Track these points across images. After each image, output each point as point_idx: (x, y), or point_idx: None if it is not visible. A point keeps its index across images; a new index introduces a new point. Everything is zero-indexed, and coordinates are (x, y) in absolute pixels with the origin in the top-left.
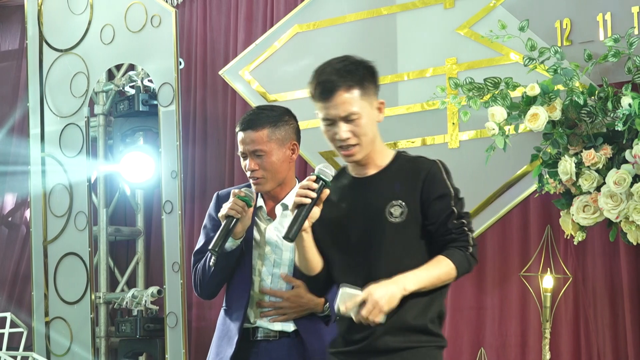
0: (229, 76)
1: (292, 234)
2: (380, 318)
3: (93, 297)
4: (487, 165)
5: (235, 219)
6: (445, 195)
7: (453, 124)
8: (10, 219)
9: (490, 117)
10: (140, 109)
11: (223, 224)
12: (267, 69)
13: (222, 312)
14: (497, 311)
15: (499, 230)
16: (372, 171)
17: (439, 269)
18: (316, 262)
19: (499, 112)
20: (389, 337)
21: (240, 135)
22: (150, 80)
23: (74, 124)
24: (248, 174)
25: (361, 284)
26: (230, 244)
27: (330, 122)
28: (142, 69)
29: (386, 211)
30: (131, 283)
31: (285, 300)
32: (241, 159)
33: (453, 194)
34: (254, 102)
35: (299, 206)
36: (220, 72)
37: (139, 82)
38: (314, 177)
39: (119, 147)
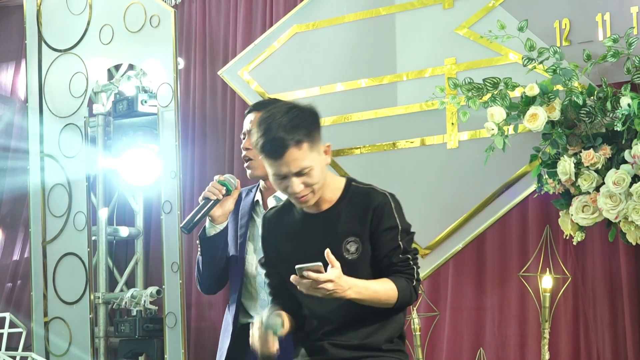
0: (228, 76)
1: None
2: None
3: (92, 297)
4: (486, 166)
5: (212, 201)
6: (392, 228)
7: (452, 124)
8: (8, 219)
9: (489, 117)
10: (139, 109)
11: (200, 205)
12: (266, 69)
13: (227, 306)
14: (496, 311)
15: (498, 230)
16: (324, 206)
17: (381, 288)
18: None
19: (498, 113)
20: (343, 351)
21: (246, 117)
22: (149, 81)
23: (73, 124)
24: (243, 155)
25: (317, 305)
26: (211, 230)
27: (282, 177)
28: (141, 69)
29: (343, 247)
30: (130, 283)
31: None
32: (242, 143)
33: (401, 229)
34: (253, 102)
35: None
36: (219, 72)
37: (138, 82)
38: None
39: (117, 147)
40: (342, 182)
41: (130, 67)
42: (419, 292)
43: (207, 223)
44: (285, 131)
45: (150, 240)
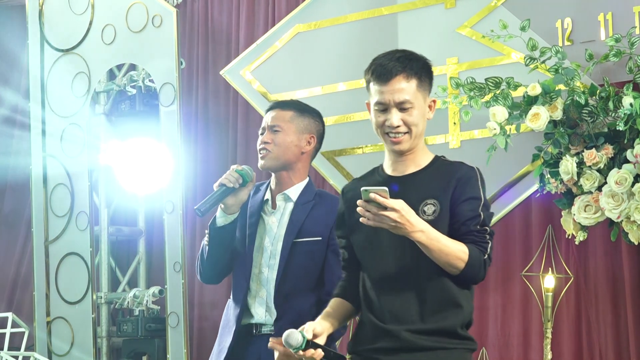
0: (230, 76)
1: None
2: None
3: (94, 297)
4: (489, 165)
5: (227, 189)
6: (474, 198)
7: (454, 123)
8: (11, 218)
9: (491, 117)
10: (142, 109)
11: (214, 190)
12: (268, 69)
13: (228, 301)
14: (499, 311)
15: (500, 230)
16: (410, 170)
17: (453, 245)
18: (348, 314)
19: (500, 112)
20: (420, 337)
21: (266, 114)
22: (151, 80)
23: (76, 123)
24: (259, 147)
25: (391, 277)
26: (222, 219)
27: (384, 107)
28: (144, 69)
29: (420, 209)
30: (132, 283)
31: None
32: (259, 138)
33: (483, 202)
34: (256, 102)
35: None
36: (221, 72)
37: (140, 82)
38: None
39: (120, 147)
40: (431, 154)
41: (133, 67)
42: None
43: (219, 212)
44: (398, 61)
45: (152, 240)
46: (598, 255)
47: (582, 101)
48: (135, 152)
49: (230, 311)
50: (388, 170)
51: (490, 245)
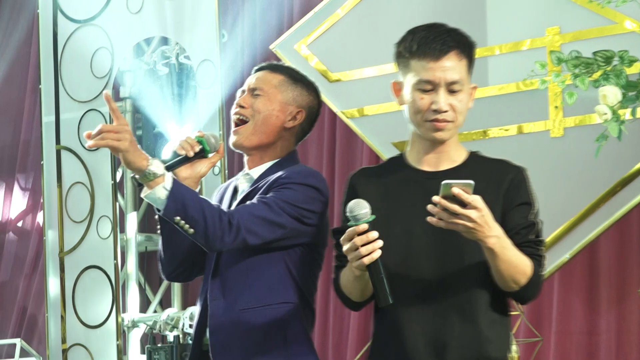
0: (283, 51)
1: (387, 299)
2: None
3: (120, 319)
4: (598, 158)
5: (178, 157)
6: (528, 204)
7: (556, 107)
8: (20, 224)
9: (601, 99)
10: (176, 92)
11: (162, 159)
12: (328, 42)
13: None
14: (613, 336)
15: (614, 237)
16: (445, 165)
17: (521, 259)
18: (369, 285)
19: (612, 93)
20: None
21: (251, 76)
22: (186, 57)
23: (96, 110)
24: (232, 113)
25: (419, 293)
26: (158, 193)
27: (430, 87)
28: (177, 44)
29: None
30: (166, 302)
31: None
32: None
33: (535, 208)
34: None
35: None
36: (271, 47)
37: (173, 59)
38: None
39: (150, 138)
40: (465, 150)
41: (164, 41)
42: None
43: None
44: (449, 36)
45: None
46: None
47: None
48: (169, 145)
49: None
50: (416, 163)
51: (545, 258)
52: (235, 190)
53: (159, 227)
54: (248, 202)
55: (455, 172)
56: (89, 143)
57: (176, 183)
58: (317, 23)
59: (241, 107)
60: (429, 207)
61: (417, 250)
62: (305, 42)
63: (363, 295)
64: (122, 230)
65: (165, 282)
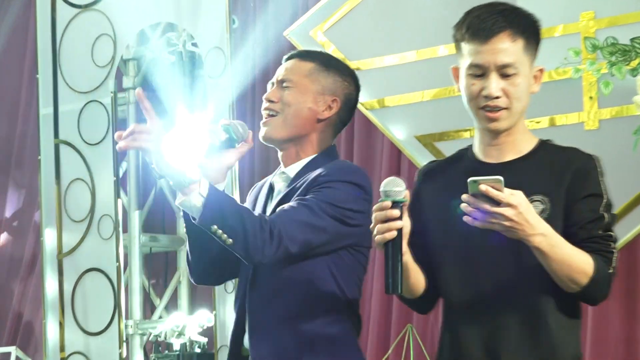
0: (297, 38)
1: (396, 287)
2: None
3: (122, 326)
4: (636, 151)
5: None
6: (596, 196)
7: (590, 98)
8: (15, 223)
9: (639, 89)
10: (183, 82)
11: None
12: (346, 28)
13: None
14: None
15: None
16: (509, 156)
17: (578, 255)
18: (418, 281)
19: None
20: None
21: (280, 67)
22: (194, 45)
23: (97, 101)
24: (263, 108)
25: (476, 296)
26: (193, 200)
27: (481, 71)
28: (185, 30)
29: None
30: (172, 308)
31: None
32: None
33: (605, 200)
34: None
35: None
36: (285, 34)
37: (180, 47)
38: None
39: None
40: (535, 138)
41: (171, 27)
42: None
43: None
44: (501, 15)
45: None
46: None
47: None
48: (176, 138)
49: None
50: (480, 154)
51: (615, 255)
52: (271, 190)
53: (185, 227)
54: (287, 206)
55: (519, 163)
56: (120, 144)
57: (213, 189)
58: (334, 8)
59: (270, 101)
60: (462, 206)
61: (476, 249)
62: (321, 28)
63: (411, 291)
64: (125, 230)
65: (171, 286)
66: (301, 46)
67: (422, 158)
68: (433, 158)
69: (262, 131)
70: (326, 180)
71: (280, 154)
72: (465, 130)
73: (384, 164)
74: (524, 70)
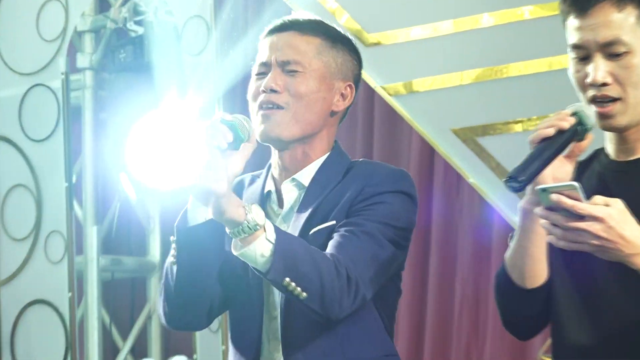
0: (301, 4)
1: (526, 174)
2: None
3: None
4: None
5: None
6: None
7: None
8: None
9: None
10: (154, 60)
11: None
12: None
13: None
14: None
15: None
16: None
17: None
18: (541, 267)
19: None
20: None
21: (269, 41)
22: (168, 13)
23: (43, 85)
24: (258, 100)
25: (596, 340)
26: (195, 212)
27: (583, 53)
28: None
29: None
30: (140, 351)
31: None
32: (253, 80)
33: None
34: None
35: (542, 141)
36: None
37: (150, 15)
38: (569, 112)
39: (118, 124)
40: None
41: None
42: None
43: (191, 200)
44: None
45: None
46: None
47: None
48: (145, 132)
49: None
50: (610, 150)
51: None
52: (266, 197)
53: (172, 256)
54: (347, 235)
55: None
56: (185, 181)
57: (280, 232)
58: None
59: (273, 91)
60: (541, 222)
61: (598, 280)
62: None
63: (525, 274)
64: (80, 252)
65: (138, 323)
66: (304, 14)
67: (460, 157)
68: (475, 157)
69: (263, 128)
70: (376, 193)
71: (280, 154)
72: (517, 122)
73: (412, 165)
74: (637, 46)
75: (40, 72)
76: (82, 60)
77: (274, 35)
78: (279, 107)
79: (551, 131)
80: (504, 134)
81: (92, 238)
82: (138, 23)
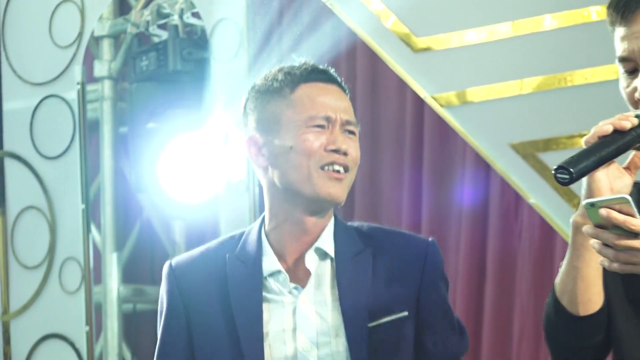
0: (342, 6)
1: (578, 167)
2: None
3: None
4: None
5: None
6: None
7: None
8: None
9: None
10: (179, 68)
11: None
12: None
13: None
14: None
15: None
16: None
17: None
18: (596, 290)
19: None
20: None
21: (327, 91)
22: (196, 15)
23: (57, 96)
24: (329, 157)
25: None
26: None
27: (630, 66)
28: None
29: None
30: None
31: None
32: (313, 133)
33: None
34: (389, 51)
35: (600, 137)
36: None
37: (175, 18)
38: (633, 113)
39: (138, 137)
40: None
41: None
42: None
43: None
44: None
45: None
46: None
47: None
48: (170, 148)
49: None
50: None
51: None
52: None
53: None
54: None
55: None
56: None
57: None
58: None
59: (346, 154)
60: (591, 242)
61: None
62: None
63: (577, 299)
64: (99, 281)
65: None
66: (348, 17)
67: (519, 174)
68: (536, 174)
69: (335, 188)
70: (440, 277)
71: (311, 219)
72: (583, 136)
73: (465, 181)
74: None
75: (53, 82)
76: (100, 69)
77: (323, 83)
78: (347, 171)
79: (609, 128)
80: (568, 149)
81: (112, 266)
82: (162, 27)
